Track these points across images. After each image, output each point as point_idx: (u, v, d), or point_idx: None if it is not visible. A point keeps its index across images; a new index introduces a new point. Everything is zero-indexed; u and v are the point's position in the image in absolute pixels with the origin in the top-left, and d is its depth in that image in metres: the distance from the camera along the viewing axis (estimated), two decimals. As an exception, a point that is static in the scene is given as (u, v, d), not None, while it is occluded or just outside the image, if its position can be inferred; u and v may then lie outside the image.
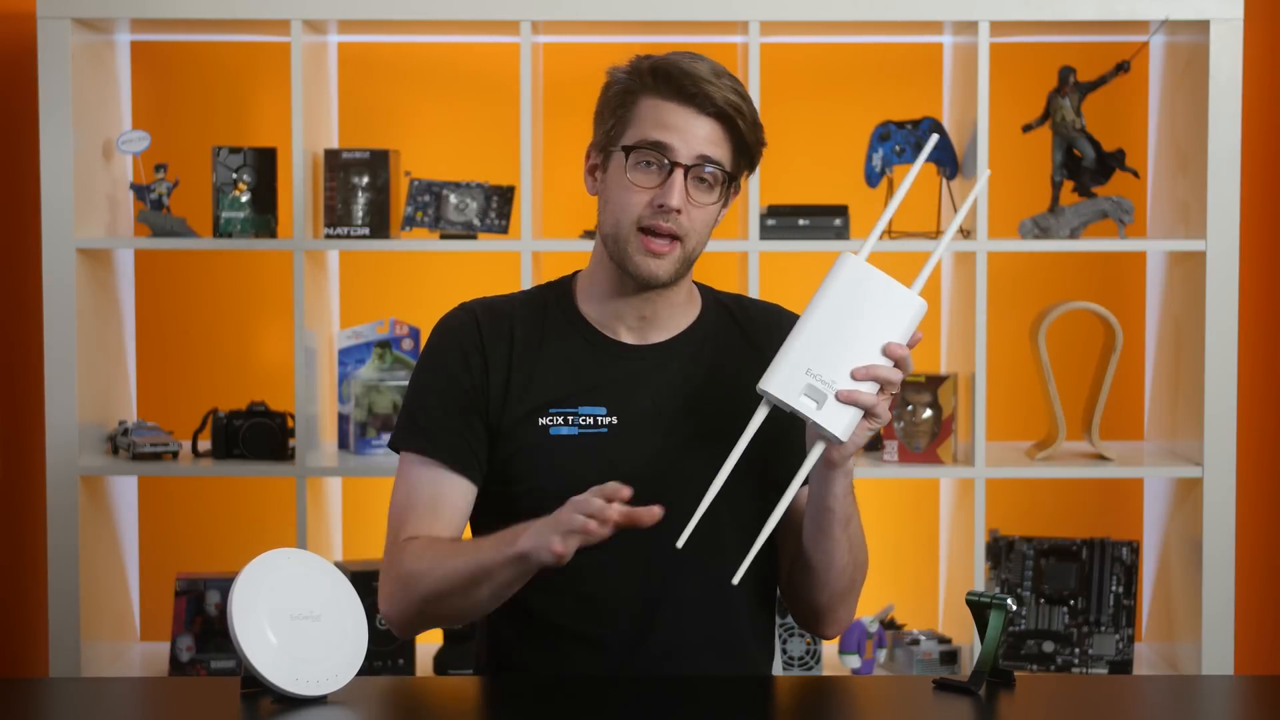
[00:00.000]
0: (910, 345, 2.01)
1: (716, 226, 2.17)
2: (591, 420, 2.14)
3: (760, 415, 2.01)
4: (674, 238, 2.10)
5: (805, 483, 2.15)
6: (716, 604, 2.16)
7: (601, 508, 1.90)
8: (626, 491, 1.91)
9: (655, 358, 2.17)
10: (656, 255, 2.10)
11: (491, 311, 2.20)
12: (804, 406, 1.98)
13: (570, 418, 2.15)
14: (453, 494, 2.15)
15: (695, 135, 2.09)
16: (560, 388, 2.15)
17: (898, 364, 1.99)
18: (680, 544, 1.96)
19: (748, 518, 2.13)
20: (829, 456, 2.04)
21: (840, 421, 1.99)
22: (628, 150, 2.10)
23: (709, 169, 2.10)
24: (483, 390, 2.15)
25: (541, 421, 2.14)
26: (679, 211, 2.09)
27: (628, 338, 2.18)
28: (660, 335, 2.19)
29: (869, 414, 1.99)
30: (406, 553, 2.11)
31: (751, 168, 2.17)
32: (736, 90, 2.11)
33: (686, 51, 2.14)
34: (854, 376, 1.98)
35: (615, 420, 2.14)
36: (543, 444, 2.14)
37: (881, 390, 1.99)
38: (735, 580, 1.97)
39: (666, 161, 2.09)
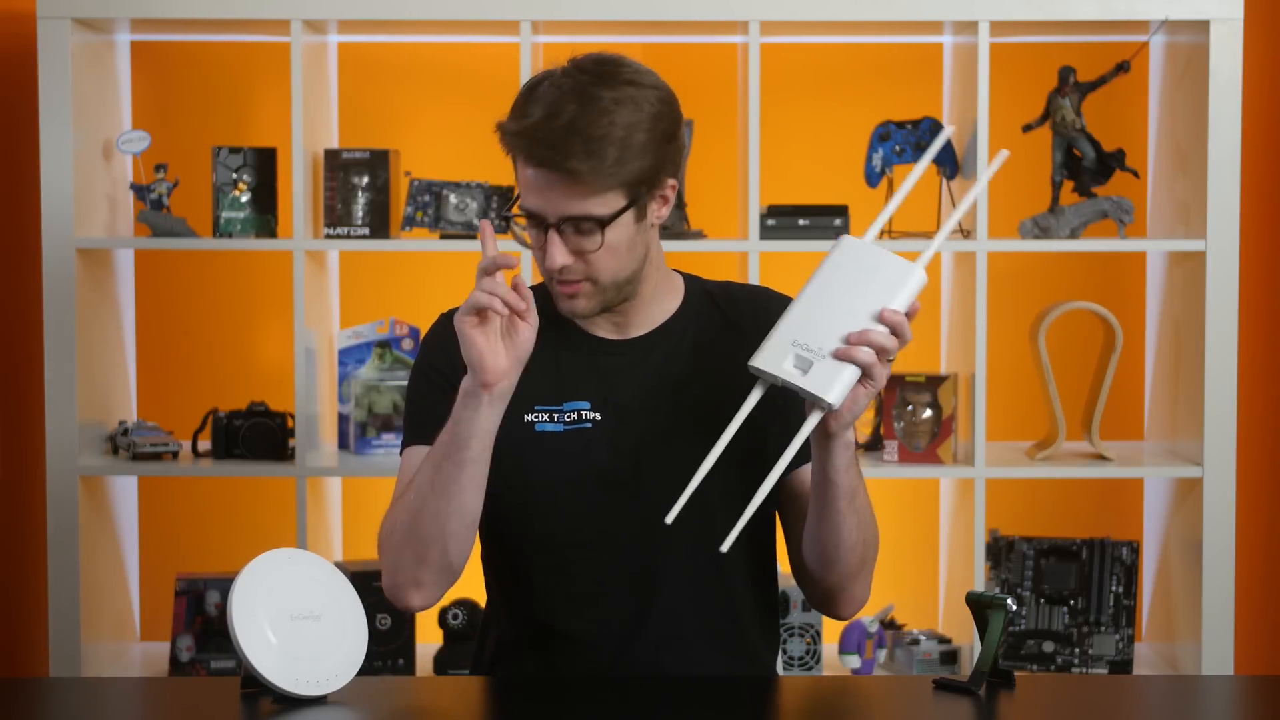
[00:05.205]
0: (909, 316, 1.98)
1: (667, 229, 2.15)
2: (576, 416, 2.15)
3: (754, 396, 1.99)
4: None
5: (804, 462, 2.14)
6: (711, 589, 2.15)
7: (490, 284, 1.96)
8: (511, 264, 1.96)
9: (637, 351, 2.16)
10: (571, 296, 2.09)
11: None
12: (790, 375, 1.95)
13: (555, 415, 2.15)
14: None
15: (555, 195, 2.03)
16: (544, 385, 2.15)
17: (894, 330, 1.96)
18: (670, 519, 1.95)
19: (740, 502, 2.13)
20: (825, 425, 2.01)
21: (831, 387, 1.94)
22: (507, 218, 2.10)
23: (584, 224, 2.05)
24: None
25: (527, 418, 2.14)
26: (563, 269, 2.07)
27: (608, 334, 2.18)
28: (640, 330, 2.18)
29: (865, 376, 1.96)
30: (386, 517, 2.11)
31: (654, 185, 2.07)
32: (587, 145, 1.99)
33: (562, 93, 2.01)
34: (848, 341, 1.94)
35: (600, 415, 2.14)
36: (529, 441, 2.14)
37: (878, 356, 1.96)
38: (724, 548, 1.96)
39: (542, 224, 2.05)
